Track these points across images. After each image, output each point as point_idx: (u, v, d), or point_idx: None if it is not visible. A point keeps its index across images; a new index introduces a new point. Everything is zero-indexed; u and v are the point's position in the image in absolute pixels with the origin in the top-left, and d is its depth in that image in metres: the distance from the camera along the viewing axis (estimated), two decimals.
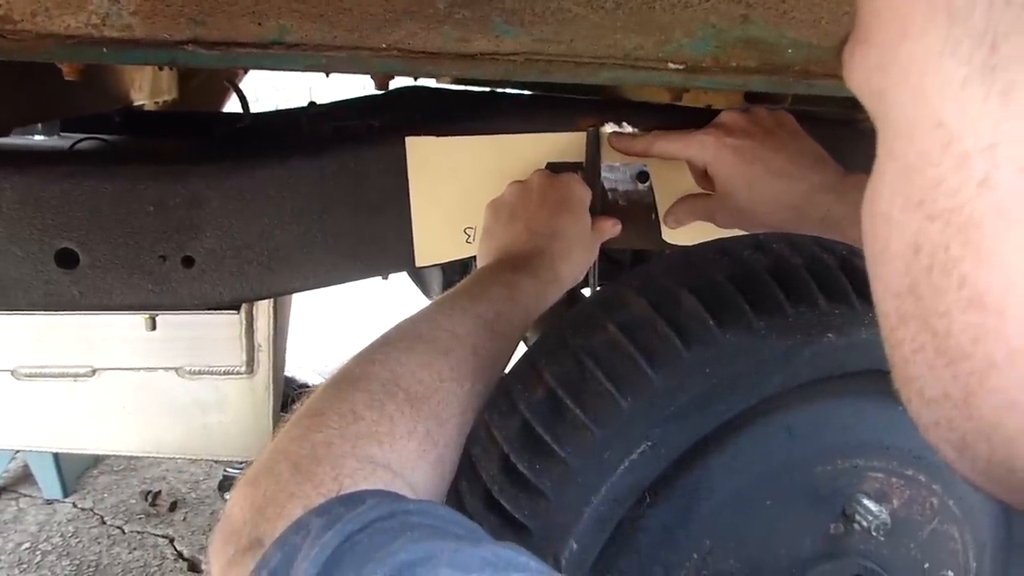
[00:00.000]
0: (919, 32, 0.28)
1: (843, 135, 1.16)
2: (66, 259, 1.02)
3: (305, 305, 1.84)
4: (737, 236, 0.73)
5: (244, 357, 1.27)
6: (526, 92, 1.52)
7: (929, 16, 0.27)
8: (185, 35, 0.72)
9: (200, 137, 1.54)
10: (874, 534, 0.65)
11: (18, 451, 2.64)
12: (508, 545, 0.44)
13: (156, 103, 1.90)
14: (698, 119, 1.09)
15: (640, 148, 1.07)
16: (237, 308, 1.23)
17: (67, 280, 1.03)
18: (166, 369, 1.27)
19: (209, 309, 1.15)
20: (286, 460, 0.58)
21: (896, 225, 0.30)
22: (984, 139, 0.26)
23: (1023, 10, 0.25)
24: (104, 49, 0.71)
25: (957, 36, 0.27)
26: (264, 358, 1.29)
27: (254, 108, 1.64)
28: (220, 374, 1.28)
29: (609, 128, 1.10)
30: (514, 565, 0.42)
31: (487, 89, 1.61)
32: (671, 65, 0.84)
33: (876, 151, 0.32)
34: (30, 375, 1.24)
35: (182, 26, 0.71)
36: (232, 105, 2.27)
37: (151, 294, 1.06)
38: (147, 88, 1.75)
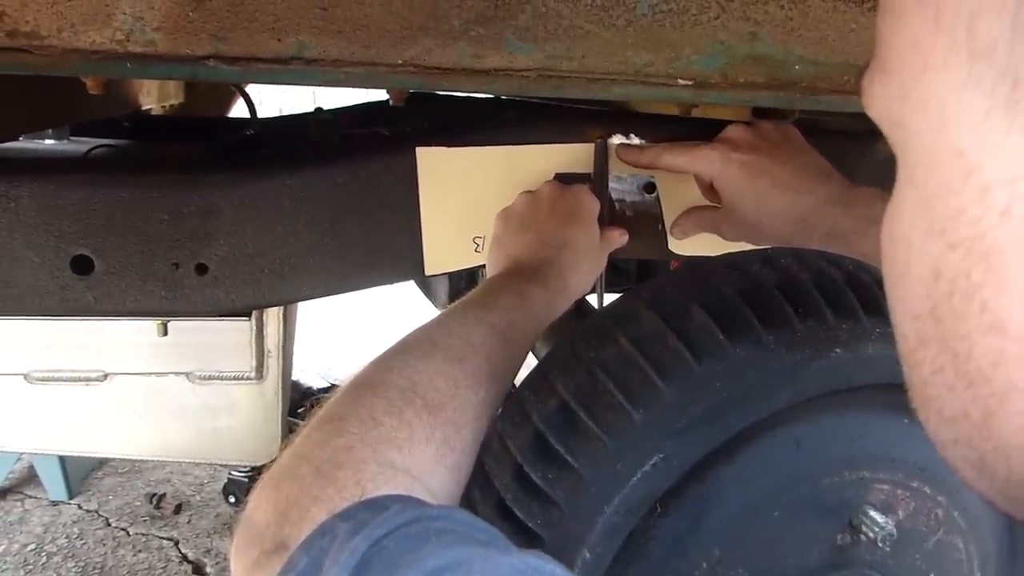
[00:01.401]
0: (940, 65, 0.29)
1: (848, 147, 1.18)
2: (82, 265, 1.04)
3: (309, 310, 1.86)
4: (746, 251, 0.75)
5: (254, 363, 1.29)
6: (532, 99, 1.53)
7: (951, 50, 0.28)
8: (207, 50, 0.73)
9: (209, 142, 1.55)
10: (880, 545, 0.66)
11: (24, 452, 2.64)
12: (535, 553, 0.45)
13: (163, 107, 1.91)
14: (704, 131, 1.10)
15: (647, 160, 1.08)
16: (248, 314, 1.24)
17: (82, 286, 1.05)
18: (177, 374, 1.29)
19: (221, 316, 1.17)
20: (308, 464, 0.59)
21: (917, 250, 0.31)
22: (1006, 171, 0.27)
23: None
24: (128, 64, 0.72)
25: (980, 71, 0.27)
26: (274, 364, 1.30)
27: (259, 110, 1.65)
28: (230, 379, 1.30)
29: (617, 140, 1.11)
30: (543, 573, 0.43)
31: (492, 96, 1.62)
32: (680, 81, 0.85)
33: (896, 176, 0.33)
34: (43, 379, 1.26)
35: (204, 42, 0.73)
36: (238, 109, 2.28)
37: (164, 300, 1.08)
38: (155, 93, 1.76)
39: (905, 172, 0.32)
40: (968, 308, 0.29)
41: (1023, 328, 0.27)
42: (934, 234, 0.30)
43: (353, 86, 0.80)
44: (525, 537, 0.64)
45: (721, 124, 1.12)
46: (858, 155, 1.17)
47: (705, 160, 1.02)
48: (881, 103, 0.33)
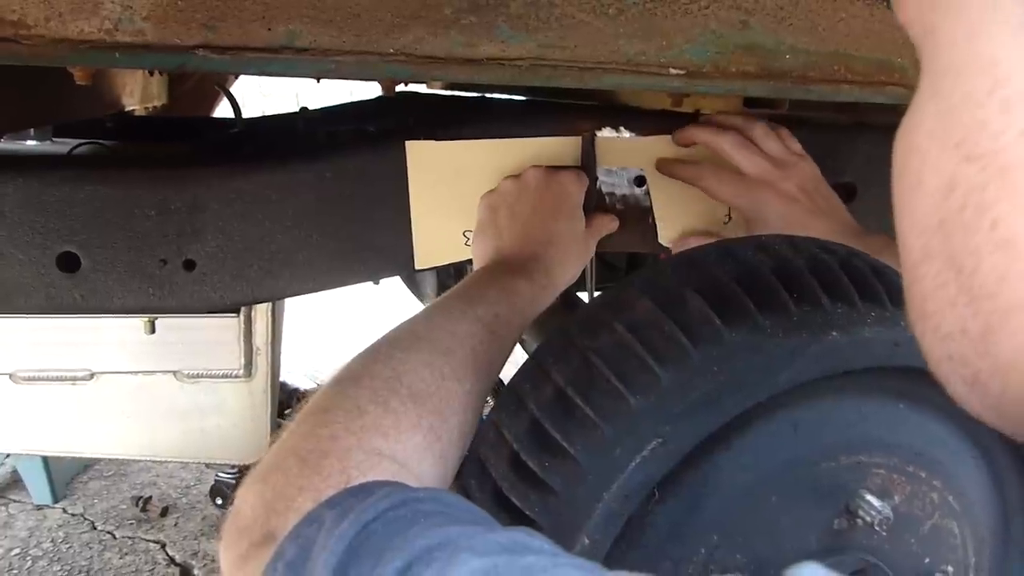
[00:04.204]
0: None
1: (837, 141, 1.18)
2: (68, 263, 1.03)
3: (296, 309, 1.85)
4: (739, 238, 0.75)
5: (242, 360, 1.28)
6: (517, 97, 1.53)
7: None
8: (196, 40, 0.73)
9: (194, 142, 1.54)
10: (877, 529, 0.66)
11: (7, 456, 2.62)
12: (521, 529, 0.46)
13: (146, 108, 1.89)
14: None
15: (686, 176, 1.09)
16: (236, 311, 1.23)
17: (69, 284, 1.04)
18: (164, 372, 1.28)
19: (209, 312, 1.16)
20: (293, 456, 0.60)
21: (932, 162, 0.30)
22: None
23: None
24: (117, 54, 0.71)
25: None
26: (262, 361, 1.30)
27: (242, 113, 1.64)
28: (218, 377, 1.29)
29: (606, 133, 1.12)
30: (530, 548, 0.43)
31: (478, 95, 1.62)
32: (672, 70, 0.85)
33: (919, 86, 0.32)
34: (28, 379, 1.25)
35: (193, 31, 0.72)
36: (222, 110, 2.26)
37: (152, 297, 1.07)
38: (138, 93, 1.74)
39: (929, 82, 0.31)
40: (979, 223, 0.28)
41: None
42: (952, 146, 0.29)
43: (344, 76, 0.80)
44: (522, 525, 0.64)
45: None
46: (848, 149, 1.18)
47: (748, 201, 1.03)
48: (914, 9, 0.32)
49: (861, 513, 0.67)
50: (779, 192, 1.02)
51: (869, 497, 0.67)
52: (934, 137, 0.30)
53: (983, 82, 0.28)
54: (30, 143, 1.45)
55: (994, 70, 0.27)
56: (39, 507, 2.57)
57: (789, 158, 1.05)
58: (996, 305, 0.28)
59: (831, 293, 0.67)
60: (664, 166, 1.11)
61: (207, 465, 2.49)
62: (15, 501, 2.59)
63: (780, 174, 1.03)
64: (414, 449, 0.64)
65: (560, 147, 1.11)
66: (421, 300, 1.96)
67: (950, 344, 0.31)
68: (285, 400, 2.38)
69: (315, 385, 2.69)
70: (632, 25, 0.81)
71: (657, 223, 1.16)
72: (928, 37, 0.31)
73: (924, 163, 0.30)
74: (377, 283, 1.21)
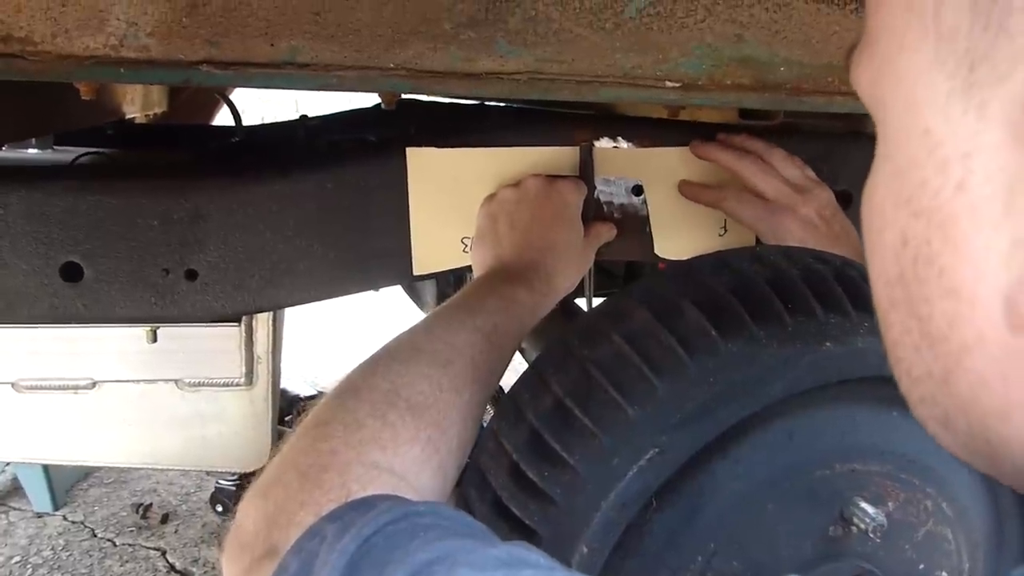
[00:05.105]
0: (913, 47, 0.31)
1: (830, 148, 1.19)
2: (71, 273, 1.04)
3: (296, 316, 1.86)
4: (735, 248, 0.76)
5: (243, 369, 1.28)
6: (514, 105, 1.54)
7: (921, 34, 0.31)
8: (200, 56, 0.74)
9: (196, 150, 1.55)
10: (871, 536, 0.67)
11: (8, 464, 2.63)
12: (519, 544, 0.47)
13: (147, 116, 1.90)
14: (691, 134, 1.12)
15: (708, 199, 1.10)
16: (237, 320, 1.24)
17: (72, 293, 1.05)
18: (166, 381, 1.28)
19: (212, 322, 1.17)
20: (294, 470, 0.60)
21: (888, 219, 0.33)
22: (961, 148, 0.29)
23: (996, 37, 0.28)
24: (121, 69, 0.73)
25: (944, 54, 0.30)
26: (263, 370, 1.30)
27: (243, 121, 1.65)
28: (219, 386, 1.29)
29: (604, 143, 1.13)
30: (527, 563, 0.44)
31: (478, 102, 1.63)
32: (668, 83, 0.86)
33: (876, 150, 0.35)
34: (31, 388, 1.25)
35: (197, 47, 0.73)
36: (222, 117, 2.27)
37: (155, 307, 1.08)
38: (139, 101, 1.75)
39: (883, 146, 0.34)
40: (929, 273, 0.31)
41: (972, 292, 0.29)
42: (902, 204, 0.32)
43: (345, 90, 0.81)
44: (522, 534, 0.65)
45: (707, 127, 1.13)
46: (842, 157, 1.19)
47: (768, 225, 1.04)
48: (867, 80, 0.35)
49: (856, 520, 0.68)
50: (799, 217, 1.03)
51: (864, 504, 0.68)
52: (888, 196, 0.33)
53: (922, 146, 0.31)
54: (31, 152, 1.46)
55: (930, 136, 0.30)
56: (39, 515, 2.57)
57: (807, 184, 1.07)
58: (950, 348, 0.31)
59: (825, 303, 0.68)
60: (687, 190, 1.12)
61: (207, 472, 2.50)
62: (15, 509, 2.60)
63: (800, 199, 1.05)
64: (412, 462, 0.65)
65: (558, 156, 1.12)
66: (421, 308, 1.97)
67: (921, 387, 0.33)
68: (286, 407, 2.39)
69: (316, 392, 2.70)
70: (628, 39, 0.82)
71: (653, 233, 1.17)
72: (878, 106, 0.34)
73: (883, 219, 0.33)
74: (377, 291, 1.22)
